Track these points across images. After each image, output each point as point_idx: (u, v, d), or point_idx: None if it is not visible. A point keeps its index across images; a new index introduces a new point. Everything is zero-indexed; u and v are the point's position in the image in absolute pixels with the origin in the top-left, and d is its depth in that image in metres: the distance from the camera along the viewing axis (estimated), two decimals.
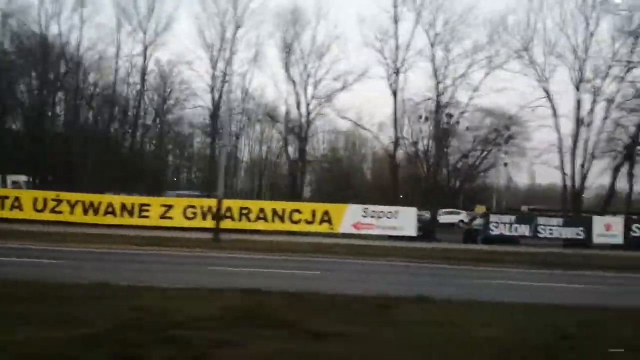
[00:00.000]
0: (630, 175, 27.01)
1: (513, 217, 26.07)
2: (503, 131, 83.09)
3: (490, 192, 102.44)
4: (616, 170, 28.05)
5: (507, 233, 25.57)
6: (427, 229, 26.31)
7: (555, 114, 28.21)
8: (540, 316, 7.49)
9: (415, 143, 52.22)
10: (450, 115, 58.76)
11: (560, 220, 25.92)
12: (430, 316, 7.04)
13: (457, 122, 54.69)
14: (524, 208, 67.68)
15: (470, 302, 8.29)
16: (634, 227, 25.68)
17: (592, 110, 28.07)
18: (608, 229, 25.65)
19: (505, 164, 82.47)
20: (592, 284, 13.09)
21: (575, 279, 13.85)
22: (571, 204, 28.41)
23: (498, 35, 28.76)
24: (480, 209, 62.88)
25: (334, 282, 10.83)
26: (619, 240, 25.56)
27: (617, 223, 25.79)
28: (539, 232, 25.60)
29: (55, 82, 38.82)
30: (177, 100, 43.69)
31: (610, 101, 27.74)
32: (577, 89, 27.87)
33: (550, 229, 25.64)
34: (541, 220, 25.90)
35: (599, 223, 25.72)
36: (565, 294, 10.91)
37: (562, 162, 28.30)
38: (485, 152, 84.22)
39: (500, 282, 12.39)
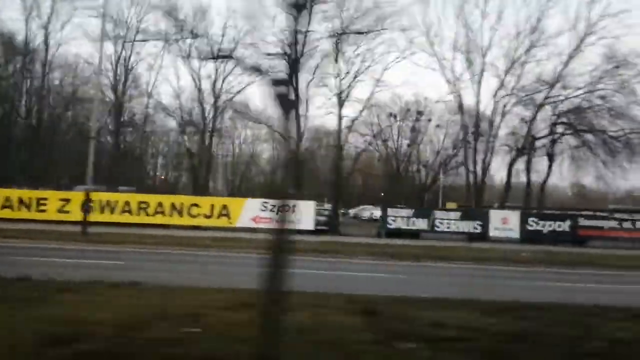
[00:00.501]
0: (527, 170, 27.41)
1: (411, 211, 26.50)
2: (472, 128, 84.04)
3: (462, 190, 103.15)
4: (511, 164, 28.53)
5: (405, 227, 26.03)
6: (327, 223, 26.67)
7: (461, 110, 28.57)
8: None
9: (385, 141, 52.86)
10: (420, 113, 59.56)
11: (457, 214, 26.38)
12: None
13: (429, 120, 55.35)
14: (496, 205, 68.64)
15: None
16: (529, 220, 26.20)
17: (494, 105, 28.46)
18: (505, 223, 26.14)
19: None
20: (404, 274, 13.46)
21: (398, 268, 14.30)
22: (474, 197, 28.82)
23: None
24: (451, 206, 63.78)
25: (118, 271, 11.09)
26: (516, 234, 26.06)
27: (513, 217, 26.28)
28: (437, 226, 26.06)
29: None
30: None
31: (509, 95, 28.14)
32: (479, 83, 28.24)
33: (448, 223, 26.12)
34: (438, 214, 26.33)
35: (495, 217, 26.21)
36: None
37: (465, 157, 28.72)
38: (455, 150, 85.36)
39: (308, 272, 12.65)
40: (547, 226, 26.20)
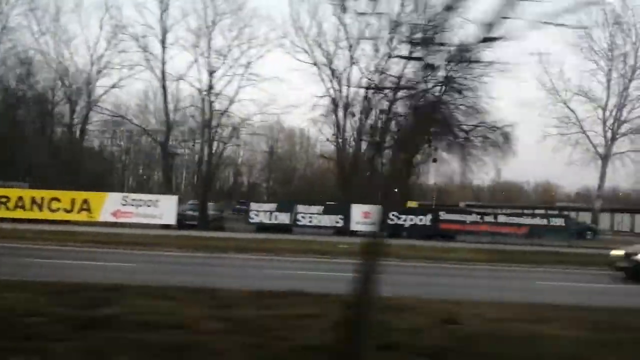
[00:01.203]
0: (382, 164, 27.68)
1: (274, 206, 26.81)
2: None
3: (428, 189, 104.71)
4: (371, 159, 28.81)
5: (268, 221, 26.35)
6: (187, 218, 26.84)
7: (335, 107, 28.86)
8: None
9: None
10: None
11: (319, 209, 26.72)
12: None
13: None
14: (462, 204, 69.54)
15: None
16: (391, 215, 26.63)
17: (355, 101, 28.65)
18: (366, 217, 26.52)
19: (435, 160, 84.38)
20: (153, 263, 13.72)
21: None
22: (343, 193, 28.99)
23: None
24: (412, 204, 64.31)
25: None
26: (377, 227, 26.44)
27: (375, 211, 26.60)
28: (299, 220, 26.43)
29: None
30: None
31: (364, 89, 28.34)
32: (338, 80, 28.48)
33: (310, 217, 26.49)
34: (301, 208, 26.64)
35: (357, 211, 26.57)
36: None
37: (338, 153, 29.07)
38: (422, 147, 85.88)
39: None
40: (408, 220, 26.66)
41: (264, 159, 51.67)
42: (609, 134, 46.00)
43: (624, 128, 45.32)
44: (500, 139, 31.33)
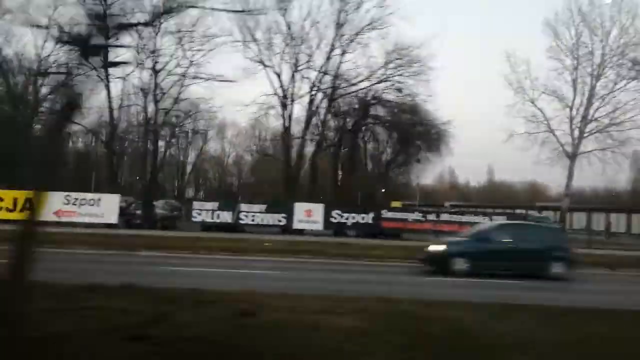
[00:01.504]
0: (335, 165, 27.92)
1: (216, 204, 26.94)
2: (417, 126, 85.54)
3: (413, 188, 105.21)
4: (314, 156, 29.03)
5: (210, 220, 26.51)
6: (135, 217, 27.06)
7: (284, 105, 29.00)
8: None
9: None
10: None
11: (262, 207, 26.88)
12: None
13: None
14: (447, 204, 69.82)
15: None
16: (333, 213, 26.80)
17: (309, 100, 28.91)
18: (309, 215, 26.71)
19: (418, 160, 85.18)
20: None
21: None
22: (286, 190, 29.17)
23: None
24: (396, 204, 64.77)
25: None
26: (320, 226, 26.68)
27: (317, 209, 26.81)
28: (241, 219, 26.60)
29: None
30: None
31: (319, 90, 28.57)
32: (293, 78, 28.69)
33: (253, 216, 26.66)
34: (243, 207, 26.82)
35: (300, 209, 26.74)
36: None
37: (286, 151, 29.12)
38: (399, 148, 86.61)
39: None
40: (350, 218, 26.83)
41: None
42: (576, 133, 46.09)
43: (590, 127, 45.41)
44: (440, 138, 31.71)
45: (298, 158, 28.84)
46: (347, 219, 26.75)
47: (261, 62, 28.36)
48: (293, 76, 28.19)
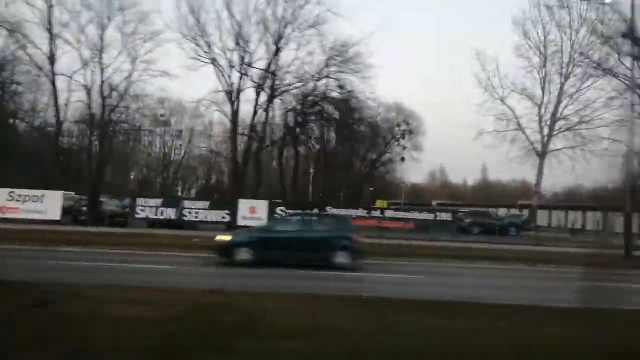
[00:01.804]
0: (280, 165, 28.00)
1: (159, 201, 27.05)
2: (402, 125, 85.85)
3: (406, 188, 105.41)
4: (257, 153, 29.12)
5: (154, 216, 26.61)
6: (82, 214, 27.19)
7: (232, 102, 29.06)
8: None
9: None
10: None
11: (206, 204, 26.98)
12: None
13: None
14: (434, 203, 69.96)
15: None
16: (278, 210, 26.88)
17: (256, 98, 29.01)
18: (252, 212, 26.80)
19: (403, 159, 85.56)
20: None
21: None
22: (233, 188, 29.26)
23: None
24: (381, 203, 65.01)
25: None
26: (263, 222, 26.74)
27: (261, 206, 26.90)
28: (185, 216, 26.69)
29: None
30: None
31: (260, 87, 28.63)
32: (240, 75, 28.73)
33: (197, 213, 26.75)
34: (187, 203, 26.92)
35: (244, 206, 26.84)
36: None
37: (233, 148, 29.27)
38: (384, 147, 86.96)
39: None
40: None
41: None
42: (546, 131, 46.05)
43: (560, 125, 45.35)
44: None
45: (244, 155, 28.95)
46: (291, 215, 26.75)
47: (209, 59, 28.49)
48: (241, 74, 28.30)
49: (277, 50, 27.84)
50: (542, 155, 46.42)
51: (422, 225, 27.10)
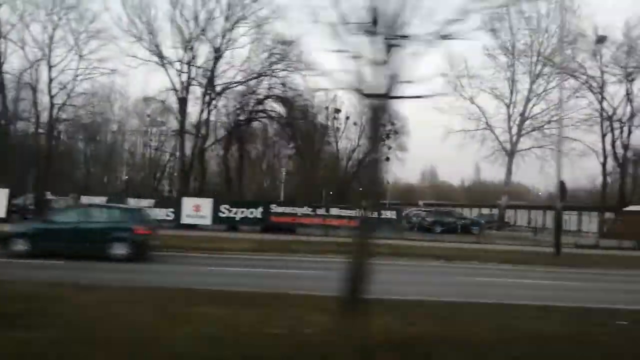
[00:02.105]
0: (225, 163, 28.07)
1: (104, 199, 27.09)
2: (388, 125, 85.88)
3: (394, 187, 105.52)
4: (202, 151, 29.20)
5: None
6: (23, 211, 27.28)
7: (180, 101, 29.15)
8: None
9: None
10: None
11: (151, 202, 27.03)
12: None
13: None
14: (421, 203, 70.02)
15: None
16: (222, 208, 26.92)
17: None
18: (197, 210, 26.83)
19: (387, 159, 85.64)
20: None
21: None
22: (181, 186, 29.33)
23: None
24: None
25: None
26: (208, 220, 26.81)
27: (205, 204, 26.92)
28: None
29: None
30: None
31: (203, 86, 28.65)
32: (188, 74, 28.80)
33: None
34: (131, 201, 26.79)
35: (188, 204, 26.87)
36: None
37: (181, 146, 29.36)
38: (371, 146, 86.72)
39: None
40: (239, 213, 26.94)
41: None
42: (515, 130, 46.03)
43: (528, 125, 45.33)
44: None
45: (192, 153, 29.01)
46: (235, 213, 26.86)
47: (157, 57, 28.61)
48: (187, 73, 28.41)
49: (220, 49, 27.96)
50: (511, 154, 46.40)
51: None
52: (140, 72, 59.72)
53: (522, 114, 45.38)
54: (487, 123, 45.44)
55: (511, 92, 45.36)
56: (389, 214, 27.50)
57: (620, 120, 36.16)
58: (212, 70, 28.14)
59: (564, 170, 37.56)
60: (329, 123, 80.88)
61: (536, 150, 44.95)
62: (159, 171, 51.72)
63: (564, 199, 21.72)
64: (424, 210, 41.91)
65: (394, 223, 27.26)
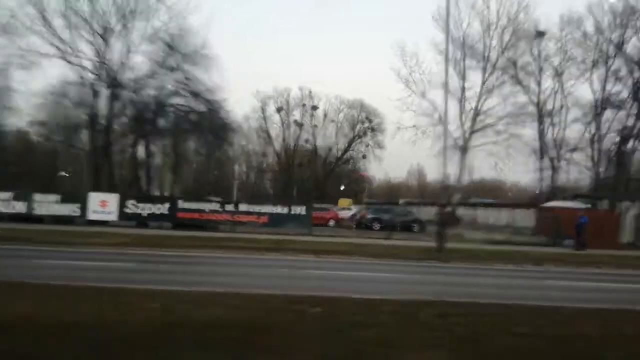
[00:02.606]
0: (134, 159, 27.85)
1: (10, 194, 26.98)
2: (366, 123, 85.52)
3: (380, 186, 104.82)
4: (106, 149, 29.01)
5: (5, 210, 26.61)
6: None
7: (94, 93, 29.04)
8: None
9: None
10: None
11: (57, 198, 26.90)
12: None
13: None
14: (402, 201, 69.71)
15: None
16: (128, 204, 26.75)
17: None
18: (103, 206, 26.69)
19: (364, 156, 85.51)
20: None
21: None
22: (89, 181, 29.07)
23: None
24: (344, 202, 64.82)
25: None
26: (114, 216, 26.67)
27: (112, 200, 26.76)
28: (34, 209, 26.63)
29: None
30: None
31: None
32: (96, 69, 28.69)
33: (48, 206, 26.69)
34: (37, 197, 26.82)
35: (94, 200, 26.72)
36: None
37: (91, 141, 29.18)
38: (347, 144, 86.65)
39: None
40: (146, 209, 26.76)
41: None
42: (467, 126, 45.37)
43: (479, 121, 44.66)
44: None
45: (103, 149, 28.87)
46: (142, 209, 26.69)
47: (59, 52, 28.46)
48: (97, 67, 28.28)
49: (128, 43, 27.82)
50: (463, 151, 45.72)
51: (276, 218, 26.84)
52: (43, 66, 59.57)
53: (474, 110, 44.69)
54: (439, 119, 44.75)
55: (463, 88, 44.62)
56: (299, 210, 27.11)
57: (551, 115, 35.51)
58: (122, 65, 27.92)
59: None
60: (304, 120, 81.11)
61: (489, 147, 44.26)
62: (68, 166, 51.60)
63: (451, 196, 21.30)
64: (367, 208, 41.62)
65: (303, 219, 26.89)
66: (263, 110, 77.17)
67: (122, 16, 27.99)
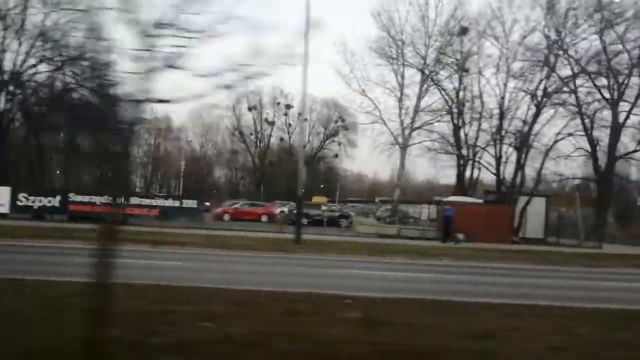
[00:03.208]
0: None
1: None
2: (338, 121, 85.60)
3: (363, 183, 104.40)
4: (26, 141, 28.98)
5: None
6: None
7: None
8: None
9: None
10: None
11: None
12: None
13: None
14: (377, 200, 69.76)
15: None
16: (20, 196, 26.87)
17: None
18: None
19: (336, 155, 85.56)
20: None
21: None
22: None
23: None
24: (319, 199, 64.91)
25: None
26: (6, 209, 26.80)
27: (3, 193, 26.87)
28: None
29: None
30: None
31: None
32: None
33: None
34: None
35: None
36: None
37: None
38: (320, 143, 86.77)
39: None
40: (37, 201, 26.87)
41: None
42: (406, 124, 45.15)
43: (417, 119, 44.40)
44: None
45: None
46: (33, 202, 26.80)
47: None
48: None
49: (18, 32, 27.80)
50: (403, 148, 45.54)
51: (167, 212, 26.91)
52: None
53: (415, 107, 44.44)
54: (380, 116, 44.57)
55: (402, 86, 44.36)
56: (190, 203, 27.15)
57: (460, 112, 35.32)
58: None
59: None
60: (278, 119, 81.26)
61: (428, 144, 44.06)
62: None
63: (302, 189, 21.38)
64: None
65: (194, 212, 26.92)
66: (234, 108, 77.76)
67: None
